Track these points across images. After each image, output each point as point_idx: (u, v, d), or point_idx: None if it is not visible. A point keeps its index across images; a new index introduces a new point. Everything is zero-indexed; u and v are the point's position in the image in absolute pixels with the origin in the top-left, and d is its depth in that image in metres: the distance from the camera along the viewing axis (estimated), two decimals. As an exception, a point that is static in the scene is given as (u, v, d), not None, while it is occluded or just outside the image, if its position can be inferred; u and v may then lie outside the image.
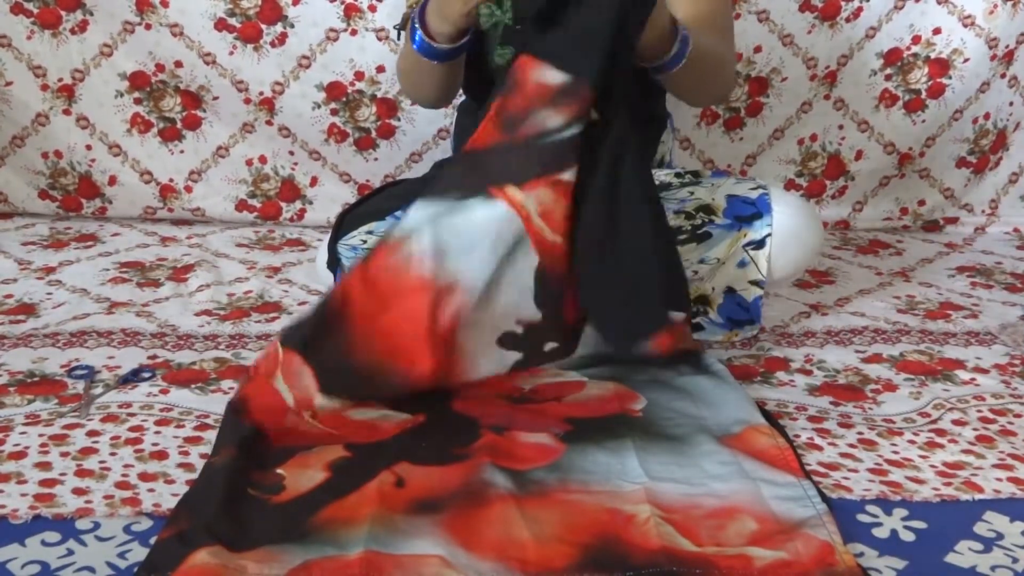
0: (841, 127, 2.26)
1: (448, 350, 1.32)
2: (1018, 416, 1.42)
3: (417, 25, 1.45)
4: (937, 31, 2.20)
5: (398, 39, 1.62)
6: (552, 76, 1.29)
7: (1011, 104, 2.28)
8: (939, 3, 2.18)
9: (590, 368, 1.47)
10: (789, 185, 2.28)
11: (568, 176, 1.30)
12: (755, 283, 1.57)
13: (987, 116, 2.28)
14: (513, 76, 1.30)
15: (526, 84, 1.29)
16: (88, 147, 2.17)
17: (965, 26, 2.19)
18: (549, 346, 1.42)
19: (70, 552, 1.07)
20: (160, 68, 2.12)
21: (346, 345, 1.30)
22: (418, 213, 1.29)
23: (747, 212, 1.55)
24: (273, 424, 1.27)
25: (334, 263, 1.60)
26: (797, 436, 1.34)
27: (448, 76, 1.55)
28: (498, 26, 1.37)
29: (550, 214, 1.30)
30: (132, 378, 1.47)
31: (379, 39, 2.10)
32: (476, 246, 1.30)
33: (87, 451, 1.26)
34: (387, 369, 1.31)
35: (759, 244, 1.56)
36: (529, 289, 1.34)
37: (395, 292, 1.30)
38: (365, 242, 1.56)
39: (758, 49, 2.18)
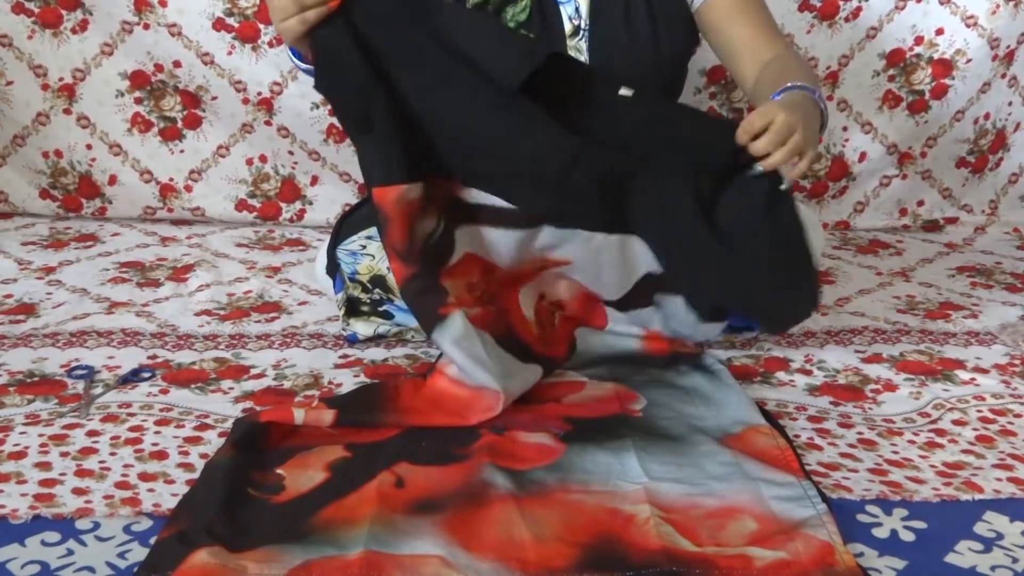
0: (845, 128, 2.26)
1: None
2: (1018, 416, 1.42)
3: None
4: (940, 32, 2.20)
5: None
6: (409, 192, 1.34)
7: (1010, 104, 2.28)
8: (941, 3, 2.18)
9: (590, 368, 1.47)
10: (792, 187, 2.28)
11: (453, 260, 1.39)
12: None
13: (987, 116, 2.28)
14: (378, 211, 1.35)
15: (392, 213, 1.34)
16: (88, 146, 2.17)
17: (968, 26, 2.19)
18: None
19: (70, 552, 1.07)
20: (159, 68, 2.12)
21: (379, 416, 1.33)
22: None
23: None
24: (276, 425, 1.27)
25: (333, 268, 1.59)
26: (797, 436, 1.34)
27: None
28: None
29: (462, 297, 1.39)
30: (132, 378, 1.47)
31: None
32: (475, 363, 1.34)
33: (87, 451, 1.26)
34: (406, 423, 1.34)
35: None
36: (517, 362, 1.40)
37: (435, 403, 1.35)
38: (364, 247, 1.55)
39: (758, 49, 2.18)
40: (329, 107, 2.13)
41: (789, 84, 1.39)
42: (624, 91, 1.40)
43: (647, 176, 1.39)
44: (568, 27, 1.55)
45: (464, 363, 1.33)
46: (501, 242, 1.43)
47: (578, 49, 1.54)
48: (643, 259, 1.46)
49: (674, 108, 1.52)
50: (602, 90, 1.41)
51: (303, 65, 1.42)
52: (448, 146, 1.38)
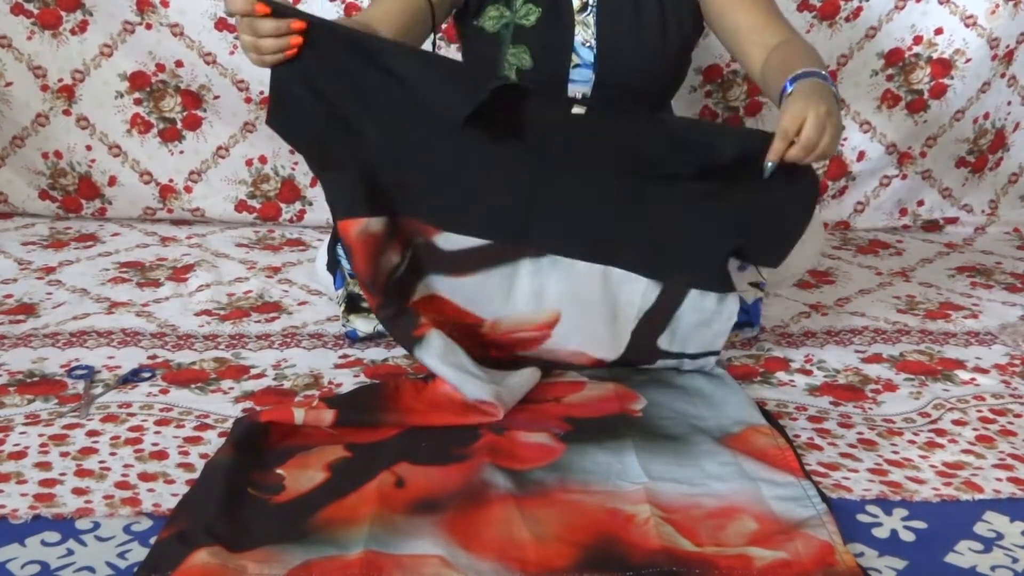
0: (843, 127, 2.26)
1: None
2: (1018, 416, 1.42)
3: None
4: (939, 31, 2.20)
5: None
6: (372, 225, 1.36)
7: (1009, 104, 2.28)
8: (941, 3, 2.18)
9: (590, 368, 1.47)
10: (789, 185, 2.28)
11: (417, 295, 1.42)
12: (755, 285, 1.57)
13: (986, 116, 2.28)
14: (343, 242, 1.39)
15: (355, 245, 1.36)
16: (88, 147, 2.17)
17: (967, 26, 2.19)
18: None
19: (70, 552, 1.07)
20: (160, 68, 2.12)
21: (379, 416, 1.33)
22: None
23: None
24: (276, 425, 1.27)
25: (334, 265, 1.60)
26: (797, 436, 1.34)
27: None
28: (509, 27, 1.38)
29: (439, 324, 1.40)
30: (132, 378, 1.47)
31: (379, 39, 2.11)
32: (463, 378, 1.35)
33: (87, 451, 1.26)
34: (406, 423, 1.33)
35: (758, 246, 1.56)
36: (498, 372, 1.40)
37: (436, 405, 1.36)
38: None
39: (758, 49, 2.18)
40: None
41: (800, 71, 1.38)
42: (577, 109, 1.41)
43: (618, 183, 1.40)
44: (576, 3, 1.56)
45: (454, 378, 1.34)
46: (481, 290, 1.42)
47: (585, 24, 1.56)
48: (630, 294, 1.42)
49: (638, 118, 1.51)
50: (556, 109, 1.42)
51: None
52: (415, 181, 1.40)
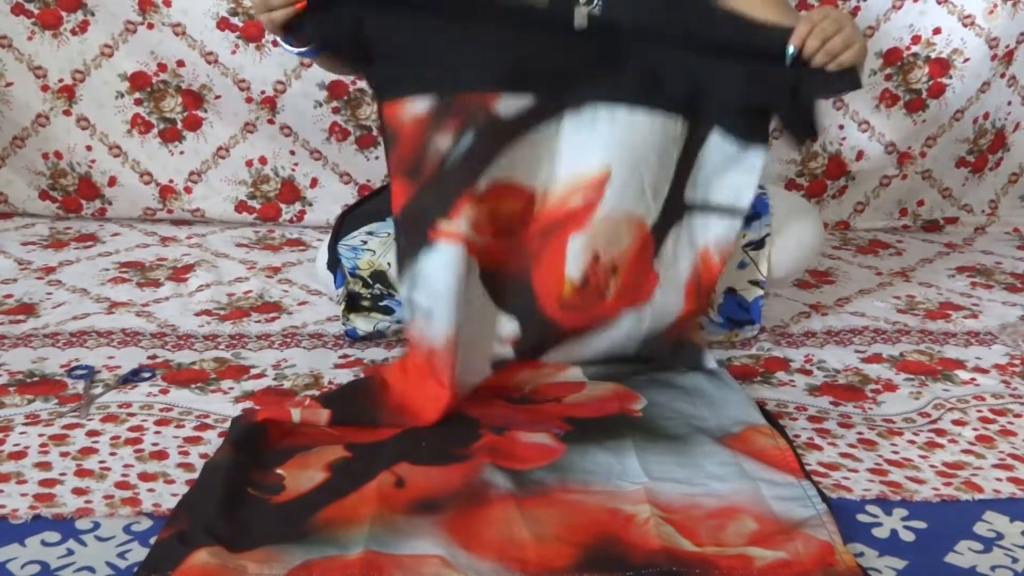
0: (842, 127, 2.26)
1: (455, 400, 1.33)
2: (1018, 416, 1.42)
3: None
4: (937, 31, 2.20)
5: None
6: (418, 105, 1.32)
7: (1009, 104, 2.28)
8: (939, 3, 2.18)
9: (590, 368, 1.47)
10: (790, 185, 2.28)
11: (482, 183, 1.33)
12: (755, 283, 1.57)
13: (986, 116, 2.28)
14: (387, 128, 1.34)
15: (402, 127, 1.32)
16: (88, 148, 2.17)
17: (965, 26, 2.19)
18: (550, 356, 1.43)
19: (70, 552, 1.07)
20: (162, 68, 2.12)
21: (373, 413, 1.32)
22: (401, 309, 1.40)
23: (745, 212, 1.55)
24: (276, 425, 1.27)
25: (334, 263, 1.60)
26: (797, 436, 1.34)
27: (346, 65, 1.57)
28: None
29: (480, 224, 1.33)
30: (132, 378, 1.47)
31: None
32: (437, 298, 1.31)
33: (87, 451, 1.26)
34: (401, 423, 1.32)
35: (758, 244, 1.56)
36: (490, 304, 1.36)
37: (421, 375, 1.34)
38: (365, 243, 1.56)
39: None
40: (332, 105, 2.14)
41: None
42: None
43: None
44: None
45: (423, 303, 1.30)
46: (531, 153, 1.37)
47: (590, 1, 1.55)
48: (667, 137, 1.40)
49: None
50: None
51: (293, 50, 1.42)
52: (464, 56, 1.36)
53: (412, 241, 1.33)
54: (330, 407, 1.31)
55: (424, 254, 1.31)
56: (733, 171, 1.42)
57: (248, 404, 1.40)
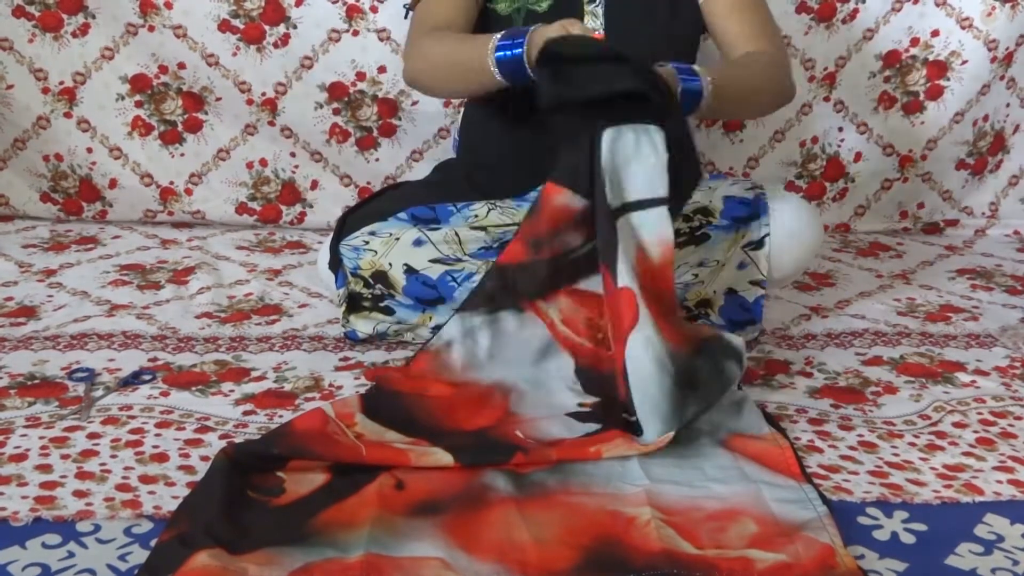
0: (840, 129, 2.26)
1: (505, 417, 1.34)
2: (1018, 419, 1.42)
3: (524, 45, 1.36)
4: (935, 33, 2.20)
5: (406, 18, 1.63)
6: (574, 201, 1.34)
7: (1008, 106, 2.28)
8: (937, 5, 2.18)
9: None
10: (789, 187, 2.28)
11: (583, 285, 1.39)
12: (756, 283, 1.57)
13: (985, 118, 2.28)
14: (539, 200, 1.37)
15: (551, 206, 1.35)
16: (89, 150, 2.17)
17: (963, 28, 2.19)
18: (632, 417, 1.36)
19: (71, 554, 1.07)
20: (163, 70, 2.12)
21: (398, 401, 1.35)
22: (453, 327, 1.42)
23: (744, 213, 1.56)
24: (316, 439, 1.24)
25: (336, 264, 1.60)
26: (798, 438, 1.34)
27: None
28: (520, 11, 1.38)
29: (571, 320, 1.40)
30: (132, 380, 1.47)
31: (380, 40, 2.11)
32: (510, 354, 1.40)
33: (87, 453, 1.26)
34: (437, 420, 1.32)
35: (758, 244, 1.56)
36: (574, 382, 1.39)
37: (432, 383, 1.39)
38: (368, 243, 1.56)
39: (758, 51, 2.18)
40: (333, 107, 2.14)
41: (695, 66, 1.43)
42: None
43: None
44: None
45: (484, 343, 1.39)
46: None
47: (594, 14, 1.58)
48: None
49: None
50: None
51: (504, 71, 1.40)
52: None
53: (503, 297, 1.41)
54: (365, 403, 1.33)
55: (511, 315, 1.40)
56: (637, 161, 1.33)
57: (249, 407, 1.40)
